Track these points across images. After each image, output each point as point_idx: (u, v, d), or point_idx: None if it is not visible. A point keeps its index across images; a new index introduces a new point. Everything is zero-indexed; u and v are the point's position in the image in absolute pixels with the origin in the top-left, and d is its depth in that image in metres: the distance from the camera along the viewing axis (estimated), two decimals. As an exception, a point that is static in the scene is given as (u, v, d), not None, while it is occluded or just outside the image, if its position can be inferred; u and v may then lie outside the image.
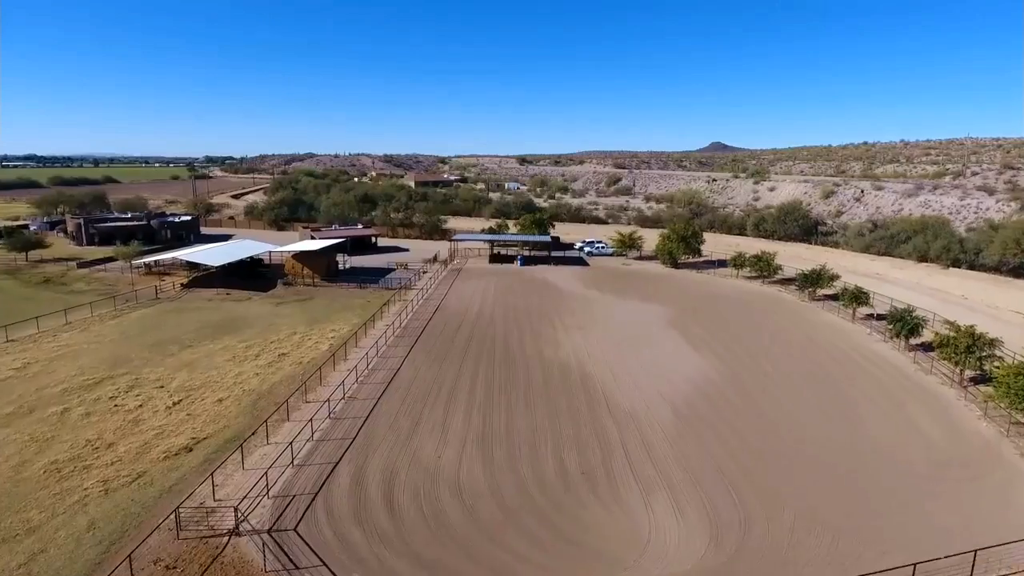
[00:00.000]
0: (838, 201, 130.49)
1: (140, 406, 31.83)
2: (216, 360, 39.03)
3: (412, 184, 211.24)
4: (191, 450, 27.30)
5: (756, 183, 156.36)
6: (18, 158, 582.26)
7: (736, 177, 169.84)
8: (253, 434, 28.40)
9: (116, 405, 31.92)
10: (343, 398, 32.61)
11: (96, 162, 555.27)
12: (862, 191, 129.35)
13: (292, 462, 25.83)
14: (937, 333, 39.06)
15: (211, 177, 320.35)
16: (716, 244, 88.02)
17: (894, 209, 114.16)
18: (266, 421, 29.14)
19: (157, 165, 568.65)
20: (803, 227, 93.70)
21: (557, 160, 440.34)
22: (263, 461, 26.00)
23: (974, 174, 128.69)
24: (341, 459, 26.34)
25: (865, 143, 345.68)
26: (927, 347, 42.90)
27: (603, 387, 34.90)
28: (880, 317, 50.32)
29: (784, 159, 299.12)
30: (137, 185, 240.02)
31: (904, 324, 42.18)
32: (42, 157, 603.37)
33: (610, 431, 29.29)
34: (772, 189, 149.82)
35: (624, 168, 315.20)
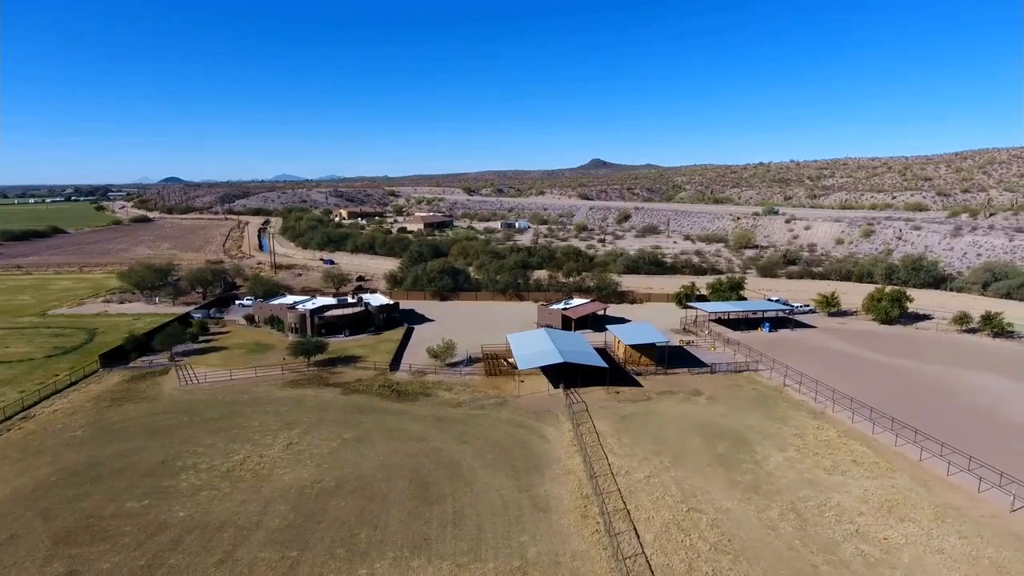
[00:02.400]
0: (881, 240, 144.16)
1: None
2: None
3: (422, 227, 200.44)
4: None
5: (788, 221, 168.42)
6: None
7: (764, 215, 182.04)
8: None
9: None
10: None
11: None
12: (901, 230, 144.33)
13: None
14: None
15: None
16: (855, 295, 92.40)
17: (943, 248, 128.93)
18: None
19: None
20: (933, 276, 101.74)
21: (500, 189, 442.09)
22: None
23: (991, 215, 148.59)
24: None
25: (794, 161, 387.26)
26: None
27: None
28: None
29: (688, 173, 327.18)
30: None
31: None
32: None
33: None
34: (808, 228, 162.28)
35: (587, 199, 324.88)
